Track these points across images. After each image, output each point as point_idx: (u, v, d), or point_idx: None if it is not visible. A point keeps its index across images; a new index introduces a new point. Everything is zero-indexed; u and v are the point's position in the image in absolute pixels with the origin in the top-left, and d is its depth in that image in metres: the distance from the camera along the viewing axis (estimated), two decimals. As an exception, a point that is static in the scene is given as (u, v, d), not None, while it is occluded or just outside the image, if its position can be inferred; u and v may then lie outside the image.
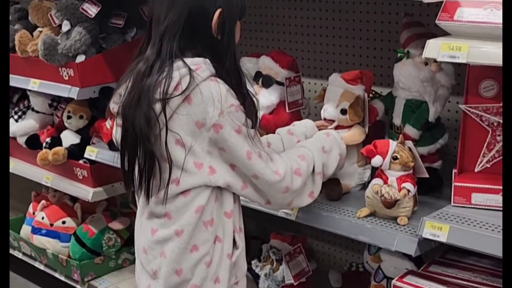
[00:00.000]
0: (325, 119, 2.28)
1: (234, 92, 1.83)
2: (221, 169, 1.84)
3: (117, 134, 1.94)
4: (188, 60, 1.80)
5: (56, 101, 3.23)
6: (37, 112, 3.32)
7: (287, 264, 2.57)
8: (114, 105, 1.91)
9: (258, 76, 2.42)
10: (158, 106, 1.77)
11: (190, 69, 1.77)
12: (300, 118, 2.43)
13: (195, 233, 1.87)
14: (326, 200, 2.26)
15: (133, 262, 3.37)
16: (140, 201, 1.97)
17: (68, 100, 3.15)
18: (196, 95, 1.76)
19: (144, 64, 1.82)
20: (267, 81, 2.38)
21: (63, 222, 3.34)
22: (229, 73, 1.86)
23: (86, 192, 3.07)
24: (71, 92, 2.88)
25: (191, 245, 1.88)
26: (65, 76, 2.88)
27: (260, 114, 2.36)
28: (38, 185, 3.48)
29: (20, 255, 3.59)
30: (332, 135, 2.12)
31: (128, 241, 3.34)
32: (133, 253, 3.35)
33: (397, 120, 2.26)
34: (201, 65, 1.80)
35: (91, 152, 2.96)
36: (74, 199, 3.37)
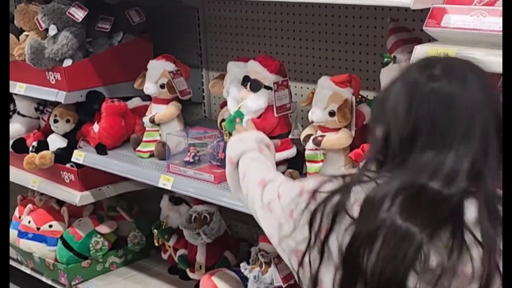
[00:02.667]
0: (312, 122, 2.30)
1: None
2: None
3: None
4: None
5: (43, 105, 3.23)
6: (23, 116, 3.31)
7: (276, 267, 2.58)
8: None
9: (246, 80, 2.44)
10: None
11: None
12: (288, 122, 2.46)
13: None
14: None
15: (120, 265, 3.39)
16: None
17: (55, 104, 3.14)
18: None
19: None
20: (255, 86, 2.39)
21: (50, 226, 3.33)
22: None
23: (73, 196, 3.06)
24: (58, 96, 2.88)
25: None
26: (52, 80, 2.88)
27: (249, 118, 2.39)
28: (24, 189, 3.47)
29: (6, 259, 3.57)
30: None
31: (115, 245, 3.35)
32: (120, 257, 3.39)
33: (383, 124, 2.28)
34: None
35: (78, 156, 2.95)
36: (61, 203, 3.37)
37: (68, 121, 3.11)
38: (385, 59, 2.23)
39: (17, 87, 3.05)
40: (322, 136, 2.27)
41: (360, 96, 2.41)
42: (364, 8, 2.58)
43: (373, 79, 2.55)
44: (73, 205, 3.15)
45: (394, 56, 2.19)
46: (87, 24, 2.94)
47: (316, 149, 2.28)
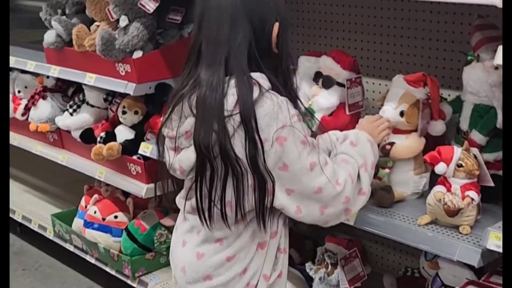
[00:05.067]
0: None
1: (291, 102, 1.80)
2: (279, 193, 1.81)
3: (171, 158, 1.91)
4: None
5: (111, 96, 3.23)
6: (92, 106, 3.32)
7: (342, 269, 2.51)
8: (168, 130, 1.89)
9: (318, 76, 2.37)
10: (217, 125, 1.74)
11: (260, 85, 1.75)
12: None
13: (246, 257, 1.87)
14: (382, 206, 2.22)
15: (183, 258, 3.36)
16: (191, 222, 1.95)
17: (123, 95, 3.14)
18: (258, 108, 1.73)
19: (206, 87, 1.78)
20: (328, 82, 2.32)
21: (115, 217, 3.34)
22: (286, 85, 1.85)
23: (140, 188, 3.05)
24: (128, 87, 2.86)
25: (241, 269, 1.89)
26: (122, 71, 2.87)
27: (320, 115, 2.32)
28: (90, 179, 3.49)
29: (71, 248, 3.60)
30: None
31: (179, 238, 3.33)
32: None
33: (464, 125, 2.19)
34: (259, 79, 1.77)
35: (145, 149, 2.94)
36: (126, 194, 3.37)
37: (136, 112, 3.10)
38: (469, 57, 2.13)
39: (86, 78, 3.06)
40: (391, 144, 2.18)
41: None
42: (449, 3, 2.46)
43: (456, 78, 2.43)
44: (139, 197, 3.15)
45: (478, 54, 2.09)
46: (158, 15, 2.91)
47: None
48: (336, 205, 1.84)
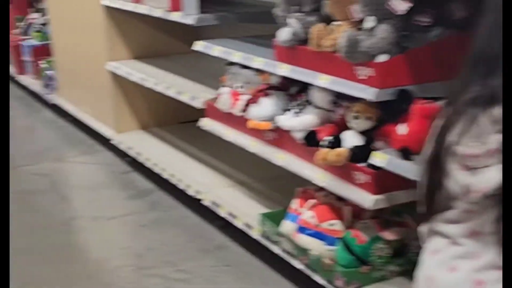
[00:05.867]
0: None
1: None
2: None
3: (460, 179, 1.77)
4: None
5: (339, 98, 3.07)
6: (317, 107, 3.18)
7: None
8: (465, 148, 1.73)
9: None
10: None
11: None
12: None
13: None
14: None
15: (398, 274, 3.16)
16: (467, 247, 1.81)
17: (351, 98, 2.97)
18: None
19: None
20: None
21: (331, 224, 3.20)
22: None
23: (366, 199, 2.88)
24: (367, 92, 2.69)
25: None
26: (362, 75, 2.70)
27: None
28: (304, 181, 3.37)
29: (278, 250, 3.51)
30: None
31: (397, 253, 3.13)
32: (400, 266, 3.17)
33: None
34: None
35: (378, 158, 2.76)
36: (342, 200, 3.22)
37: (368, 118, 2.92)
38: None
39: (319, 79, 2.92)
40: None
41: None
42: None
43: None
44: (355, 205, 2.99)
45: None
46: (405, 17, 2.71)
47: None
48: None
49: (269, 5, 3.36)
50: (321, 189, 3.31)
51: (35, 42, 7.23)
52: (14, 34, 7.79)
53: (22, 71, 7.54)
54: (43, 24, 7.22)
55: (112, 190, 4.96)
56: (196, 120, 4.13)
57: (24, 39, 7.43)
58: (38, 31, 7.26)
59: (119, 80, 5.26)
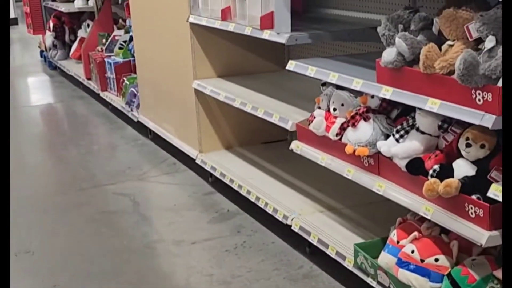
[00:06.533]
0: None
1: None
2: None
3: None
4: None
5: (447, 123, 2.84)
6: (423, 133, 2.94)
7: None
8: None
9: None
10: None
11: None
12: None
13: None
14: None
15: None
16: None
17: (461, 123, 2.74)
18: None
19: None
20: None
21: (436, 260, 2.95)
22: None
23: (479, 235, 2.63)
24: (484, 119, 2.45)
25: None
26: (479, 100, 2.46)
27: None
28: (403, 210, 3.13)
29: (373, 283, 3.28)
30: None
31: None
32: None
33: None
34: None
35: (493, 190, 2.51)
36: (446, 233, 2.97)
37: (482, 146, 2.68)
38: None
39: (428, 103, 2.69)
40: None
41: None
42: None
43: None
44: (462, 239, 2.73)
45: None
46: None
47: None
48: None
49: (365, 23, 3.17)
50: (422, 219, 3.07)
51: (118, 58, 7.23)
52: (98, 51, 7.84)
53: (105, 87, 7.56)
54: (126, 41, 7.22)
55: (194, 212, 4.83)
56: (280, 141, 3.96)
57: (108, 56, 7.44)
58: (121, 48, 7.26)
59: (203, 98, 5.15)
